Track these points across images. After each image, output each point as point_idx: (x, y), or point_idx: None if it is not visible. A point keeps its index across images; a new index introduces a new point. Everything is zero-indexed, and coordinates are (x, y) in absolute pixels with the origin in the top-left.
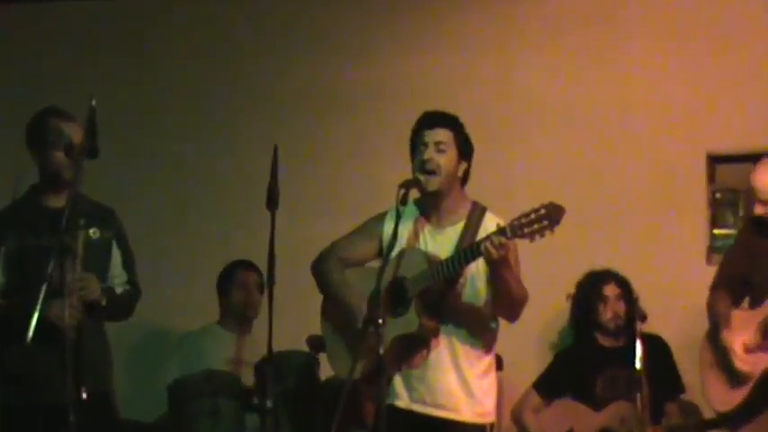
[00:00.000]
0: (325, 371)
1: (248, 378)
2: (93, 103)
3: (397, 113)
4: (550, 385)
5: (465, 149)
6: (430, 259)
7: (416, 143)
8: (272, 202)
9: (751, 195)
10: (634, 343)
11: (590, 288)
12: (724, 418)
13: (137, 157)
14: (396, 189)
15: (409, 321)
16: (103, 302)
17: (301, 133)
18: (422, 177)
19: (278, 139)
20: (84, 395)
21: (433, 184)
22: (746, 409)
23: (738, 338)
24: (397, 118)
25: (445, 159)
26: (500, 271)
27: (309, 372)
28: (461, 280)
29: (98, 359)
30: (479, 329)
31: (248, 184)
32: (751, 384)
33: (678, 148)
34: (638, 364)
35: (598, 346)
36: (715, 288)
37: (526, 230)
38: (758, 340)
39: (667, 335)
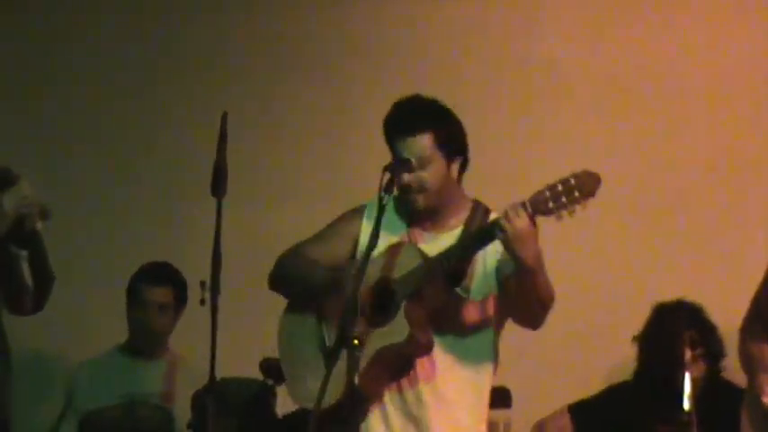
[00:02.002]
0: (285, 404)
1: (183, 413)
2: None
3: (384, 76)
4: (591, 415)
5: (453, 147)
6: (425, 254)
7: (392, 149)
8: (218, 186)
9: None
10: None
11: (664, 349)
12: None
13: (45, 126)
14: (379, 172)
15: (396, 330)
16: (39, 226)
17: (258, 100)
18: (407, 198)
19: (229, 107)
20: None
21: (421, 202)
22: None
23: None
24: (384, 82)
25: (430, 174)
26: (524, 256)
27: (263, 404)
28: (466, 278)
29: None
30: (488, 346)
31: (190, 163)
32: None
33: (747, 124)
34: (686, 404)
35: (665, 392)
36: (747, 330)
37: (551, 205)
38: None
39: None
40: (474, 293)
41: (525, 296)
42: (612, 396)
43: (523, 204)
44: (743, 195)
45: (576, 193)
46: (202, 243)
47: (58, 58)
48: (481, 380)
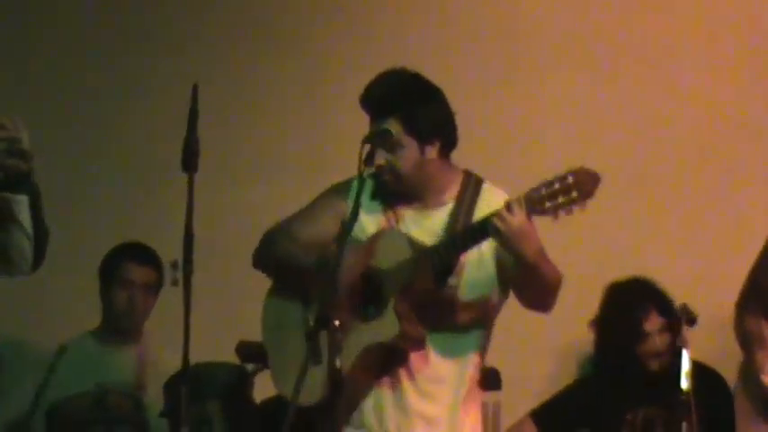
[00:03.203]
0: (263, 389)
1: (154, 400)
2: None
3: (365, 43)
4: (554, 419)
5: (426, 130)
6: (416, 245)
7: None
8: (189, 160)
9: None
10: (676, 372)
11: (624, 323)
12: None
13: (30, 97)
14: (359, 144)
15: (386, 326)
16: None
17: (233, 71)
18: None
19: (201, 79)
20: None
21: (393, 185)
22: None
23: None
24: (364, 49)
25: (399, 158)
26: (524, 254)
27: (239, 391)
28: (456, 271)
29: None
30: (477, 340)
31: (162, 137)
32: None
33: (738, 108)
34: (684, 384)
35: (629, 379)
36: (744, 306)
37: (548, 204)
38: None
39: (728, 343)
40: (464, 290)
41: (532, 287)
42: (573, 393)
43: (518, 202)
44: (744, 167)
45: (574, 193)
46: (170, 222)
47: (28, 32)
48: (472, 368)
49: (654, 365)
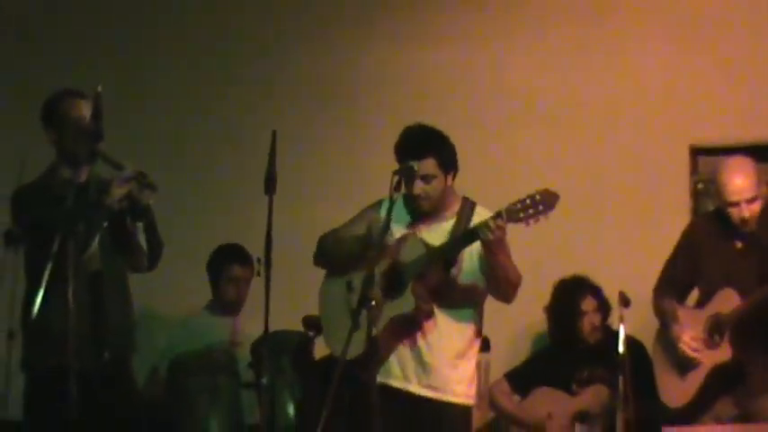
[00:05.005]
0: (321, 350)
1: (244, 357)
2: (99, 89)
3: (393, 104)
4: (523, 379)
5: (450, 164)
6: (428, 246)
7: (399, 162)
8: (270, 186)
9: (715, 192)
10: (609, 343)
11: (567, 304)
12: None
13: (137, 142)
14: (389, 175)
15: (405, 303)
16: (150, 201)
17: (299, 121)
18: (415, 203)
19: (277, 127)
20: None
21: (426, 207)
22: (700, 402)
23: (686, 333)
24: (393, 108)
25: (433, 187)
26: (496, 253)
27: (305, 350)
28: (457, 265)
29: (122, 325)
30: (472, 314)
31: (247, 170)
32: (702, 378)
33: (662, 141)
34: (620, 348)
35: (575, 349)
36: (660, 290)
37: (521, 215)
38: (704, 337)
39: (650, 319)
40: (462, 277)
41: (498, 279)
42: (537, 360)
43: (500, 214)
44: (659, 190)
45: (540, 207)
46: (254, 230)
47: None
48: (469, 334)
49: (591, 338)
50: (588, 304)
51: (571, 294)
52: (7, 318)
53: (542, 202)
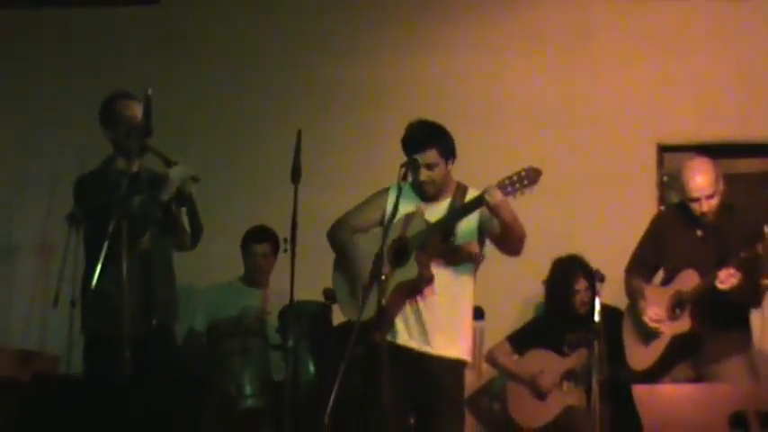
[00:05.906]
0: (338, 317)
1: (273, 323)
2: (149, 91)
3: (397, 105)
4: (521, 341)
5: (449, 152)
6: (428, 222)
7: (407, 155)
8: (296, 176)
9: (679, 188)
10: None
11: (562, 283)
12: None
13: (184, 139)
14: (398, 167)
15: (410, 270)
16: (193, 190)
17: (316, 121)
18: (422, 188)
19: (300, 125)
20: (154, 323)
21: (432, 190)
22: (661, 366)
23: (652, 307)
24: (397, 109)
25: (437, 173)
26: (503, 212)
27: (324, 318)
28: (453, 236)
29: (168, 296)
30: (468, 279)
31: (268, 162)
32: (663, 346)
33: (633, 140)
34: (596, 318)
35: (567, 317)
36: (630, 270)
37: (509, 189)
38: (668, 312)
39: (621, 295)
40: (457, 238)
41: (509, 237)
42: (536, 325)
43: (494, 186)
44: (630, 182)
45: (526, 181)
46: (282, 214)
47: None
48: (466, 296)
49: (581, 310)
50: (580, 284)
51: (566, 274)
52: (70, 289)
53: (527, 177)
